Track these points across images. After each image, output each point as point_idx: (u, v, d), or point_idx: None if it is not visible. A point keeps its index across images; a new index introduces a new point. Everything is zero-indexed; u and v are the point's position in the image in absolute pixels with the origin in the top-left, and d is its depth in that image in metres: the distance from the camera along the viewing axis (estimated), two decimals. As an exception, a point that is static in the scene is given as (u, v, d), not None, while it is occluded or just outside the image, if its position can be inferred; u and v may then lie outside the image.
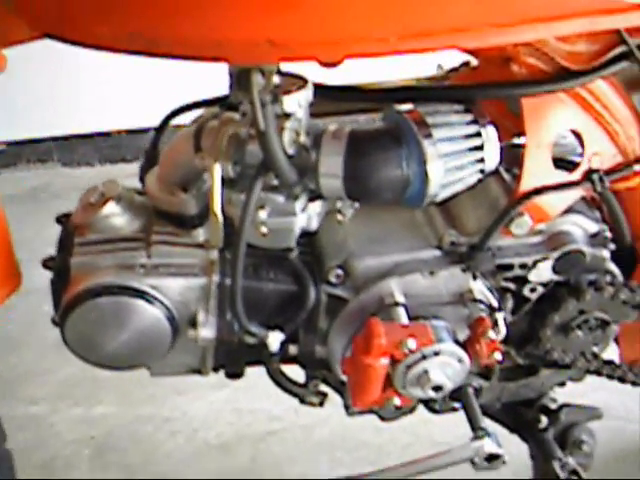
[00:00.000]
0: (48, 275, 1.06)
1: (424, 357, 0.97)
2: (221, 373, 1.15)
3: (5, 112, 2.71)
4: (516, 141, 1.10)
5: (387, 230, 1.06)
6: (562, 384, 1.19)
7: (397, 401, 1.01)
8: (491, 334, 1.00)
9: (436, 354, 0.97)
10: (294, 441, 1.63)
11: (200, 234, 1.03)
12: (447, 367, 0.99)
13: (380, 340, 0.95)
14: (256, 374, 1.10)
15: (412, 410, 1.18)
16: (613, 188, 1.09)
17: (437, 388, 0.99)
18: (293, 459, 1.58)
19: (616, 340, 1.18)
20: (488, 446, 1.03)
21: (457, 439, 1.02)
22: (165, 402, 1.74)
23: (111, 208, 1.04)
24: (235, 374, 1.13)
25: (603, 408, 1.22)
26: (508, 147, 1.11)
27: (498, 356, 1.01)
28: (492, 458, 1.03)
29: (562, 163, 1.08)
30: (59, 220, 1.10)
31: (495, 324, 1.03)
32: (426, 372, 0.98)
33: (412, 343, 0.96)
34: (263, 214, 0.95)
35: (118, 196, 1.05)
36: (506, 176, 1.09)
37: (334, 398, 1.12)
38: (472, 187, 1.02)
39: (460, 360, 0.99)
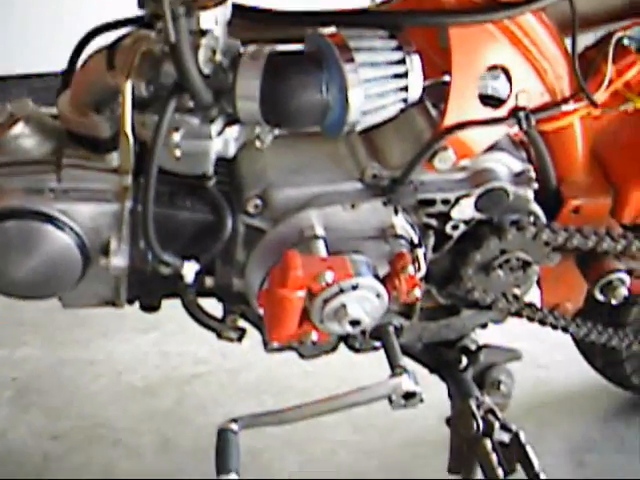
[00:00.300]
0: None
1: (342, 291, 0.95)
2: (150, 317, 1.12)
3: None
4: (445, 78, 1.08)
5: (308, 161, 1.04)
6: (484, 325, 1.19)
7: (314, 336, 0.99)
8: (411, 270, 0.99)
9: (354, 288, 0.96)
10: (220, 384, 1.61)
11: (114, 159, 0.99)
12: (365, 302, 0.97)
13: (297, 272, 0.93)
14: (186, 317, 1.07)
15: (333, 349, 1.17)
16: (540, 128, 1.08)
17: (355, 323, 0.98)
18: (218, 402, 1.56)
19: (538, 284, 1.18)
20: (405, 384, 1.02)
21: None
22: (90, 345, 1.70)
23: (20, 129, 1.00)
24: (151, 306, 1.10)
25: (530, 356, 1.22)
26: (437, 84, 1.09)
27: (417, 292, 1.00)
28: (409, 396, 1.03)
29: (491, 101, 1.07)
30: (-33, 142, 1.05)
31: (416, 260, 1.02)
32: (344, 306, 0.96)
33: (329, 276, 0.94)
34: (177, 136, 0.92)
35: (28, 117, 1.00)
36: (433, 111, 1.07)
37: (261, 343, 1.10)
38: (397, 120, 1.00)
39: (378, 295, 0.98)
